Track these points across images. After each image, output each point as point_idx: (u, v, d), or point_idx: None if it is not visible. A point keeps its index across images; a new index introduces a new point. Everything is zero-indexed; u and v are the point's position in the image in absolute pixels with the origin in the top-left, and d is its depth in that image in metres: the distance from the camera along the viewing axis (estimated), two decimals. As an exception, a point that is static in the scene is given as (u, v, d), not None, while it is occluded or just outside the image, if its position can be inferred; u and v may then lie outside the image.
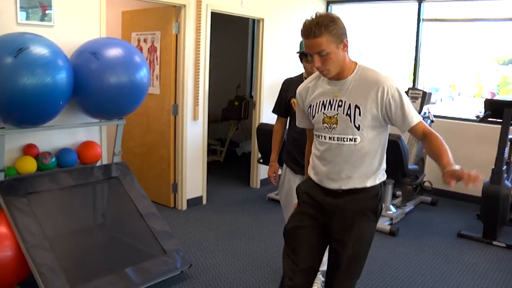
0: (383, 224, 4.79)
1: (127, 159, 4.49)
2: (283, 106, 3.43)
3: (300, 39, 2.21)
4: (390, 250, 4.36)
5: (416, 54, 6.19)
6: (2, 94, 2.97)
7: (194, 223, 4.84)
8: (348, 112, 2.17)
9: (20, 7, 3.46)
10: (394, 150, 4.55)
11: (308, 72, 3.16)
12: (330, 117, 2.21)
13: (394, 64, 6.89)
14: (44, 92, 3.06)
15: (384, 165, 2.32)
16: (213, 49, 5.54)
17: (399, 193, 5.75)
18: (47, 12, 3.63)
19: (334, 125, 2.20)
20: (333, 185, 2.26)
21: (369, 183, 2.25)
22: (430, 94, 5.41)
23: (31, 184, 3.36)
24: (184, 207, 5.25)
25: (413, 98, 5.27)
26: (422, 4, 6.09)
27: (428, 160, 5.67)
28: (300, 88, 2.44)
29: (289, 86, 3.34)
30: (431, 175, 5.85)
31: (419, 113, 5.25)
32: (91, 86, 3.44)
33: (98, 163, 3.98)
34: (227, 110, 7.59)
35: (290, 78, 3.45)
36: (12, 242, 3.02)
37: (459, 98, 6.99)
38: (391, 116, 2.16)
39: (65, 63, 3.25)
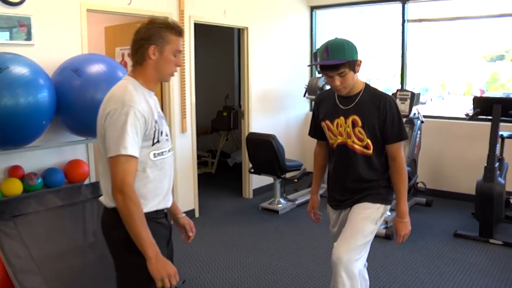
0: (379, 228, 4.73)
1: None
2: (318, 127, 2.70)
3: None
4: (387, 254, 4.31)
5: (402, 55, 6.19)
6: (-17, 116, 2.92)
7: (188, 237, 4.76)
8: None
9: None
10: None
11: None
12: None
13: (384, 66, 6.88)
14: (25, 112, 3.03)
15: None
16: (199, 60, 5.50)
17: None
18: (28, 31, 3.58)
19: None
20: None
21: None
22: (418, 94, 5.38)
23: (17, 207, 3.28)
24: (177, 221, 5.19)
25: (402, 100, 5.24)
26: (406, 5, 6.09)
27: (421, 161, 5.64)
28: None
29: (320, 102, 2.68)
30: (424, 176, 5.84)
31: (409, 114, 5.21)
32: (74, 104, 3.39)
33: (86, 182, 3.91)
34: (216, 121, 7.54)
35: (323, 92, 2.82)
36: (-2, 267, 2.95)
37: (449, 97, 6.99)
38: None
39: (46, 81, 3.21)
